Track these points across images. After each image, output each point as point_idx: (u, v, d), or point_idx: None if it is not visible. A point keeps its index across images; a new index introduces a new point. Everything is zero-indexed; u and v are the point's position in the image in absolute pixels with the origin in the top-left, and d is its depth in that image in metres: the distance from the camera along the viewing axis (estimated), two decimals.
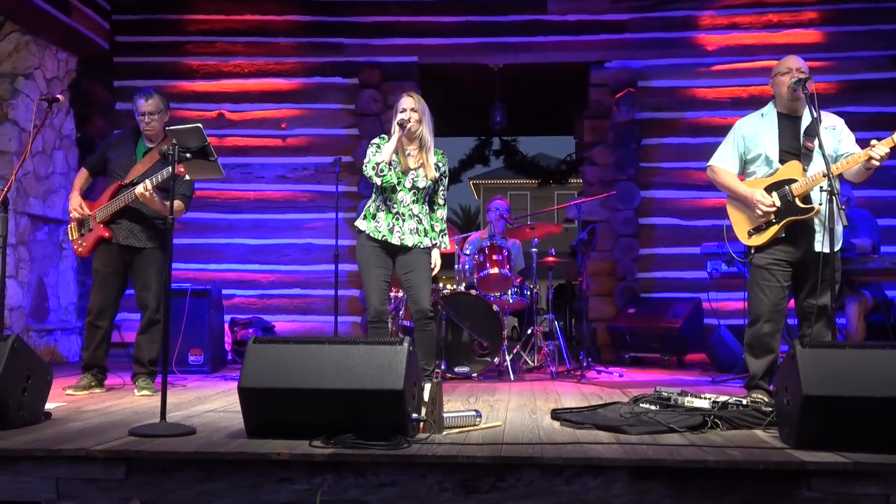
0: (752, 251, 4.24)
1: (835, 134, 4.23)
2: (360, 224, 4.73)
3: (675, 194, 7.99)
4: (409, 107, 4.66)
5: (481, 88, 9.34)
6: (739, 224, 4.29)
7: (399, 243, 4.65)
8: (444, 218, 4.89)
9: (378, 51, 8.17)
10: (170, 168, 4.54)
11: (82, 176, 5.13)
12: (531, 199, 32.23)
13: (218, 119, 8.15)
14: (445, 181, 4.85)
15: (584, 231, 6.81)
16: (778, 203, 4.12)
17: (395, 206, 4.68)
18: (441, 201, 4.86)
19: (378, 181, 4.60)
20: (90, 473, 2.90)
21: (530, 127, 12.05)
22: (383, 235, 4.65)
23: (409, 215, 4.69)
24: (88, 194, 5.16)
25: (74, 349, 7.70)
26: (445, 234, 4.88)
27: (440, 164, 4.77)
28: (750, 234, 4.22)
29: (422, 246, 4.71)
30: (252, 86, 8.21)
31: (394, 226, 4.65)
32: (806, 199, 4.10)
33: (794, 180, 4.13)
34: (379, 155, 4.61)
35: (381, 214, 4.69)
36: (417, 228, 4.70)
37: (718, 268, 6.13)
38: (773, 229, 4.14)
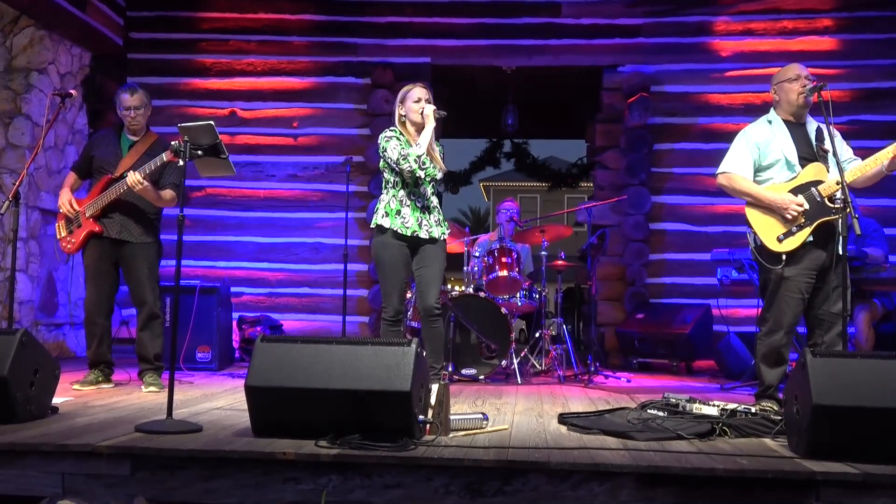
0: (784, 261, 4.11)
1: (838, 141, 4.22)
2: (384, 221, 4.59)
3: (686, 200, 7.96)
4: (425, 97, 4.63)
5: (493, 90, 9.33)
6: (767, 230, 4.16)
7: (428, 237, 4.61)
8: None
9: (391, 51, 8.17)
10: (161, 158, 4.60)
11: (70, 178, 5.11)
12: (541, 202, 32.21)
13: (230, 117, 8.16)
14: None
15: (594, 235, 6.79)
16: (807, 205, 4.07)
17: (419, 200, 4.63)
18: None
19: (421, 174, 4.54)
20: (96, 469, 2.90)
21: (542, 130, 12.03)
22: (413, 231, 4.58)
23: (432, 207, 4.67)
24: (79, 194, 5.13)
25: (83, 344, 7.66)
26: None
27: (441, 151, 4.76)
28: (780, 240, 4.11)
29: (443, 237, 4.70)
30: (265, 84, 8.22)
31: (422, 220, 4.61)
32: (832, 200, 4.06)
33: (821, 181, 4.10)
34: (418, 148, 4.52)
35: (406, 210, 4.60)
36: (439, 220, 4.70)
37: (729, 274, 6.09)
38: (806, 232, 4.07)
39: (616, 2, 8.09)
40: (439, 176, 4.67)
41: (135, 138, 5.02)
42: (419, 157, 4.51)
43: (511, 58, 8.24)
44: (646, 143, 7.86)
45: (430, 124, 4.55)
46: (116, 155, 4.97)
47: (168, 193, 4.84)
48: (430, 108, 4.57)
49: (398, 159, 4.51)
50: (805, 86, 4.16)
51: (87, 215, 4.89)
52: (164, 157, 4.58)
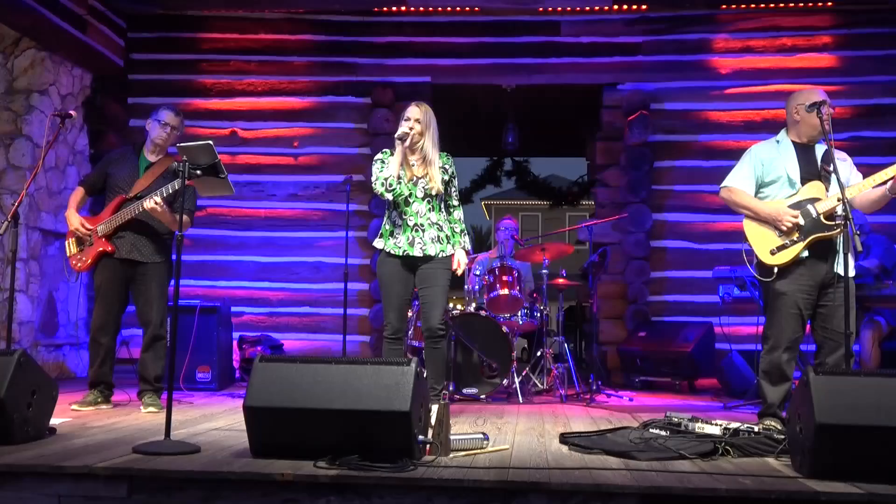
0: (776, 273, 4.14)
1: (845, 165, 4.25)
2: (378, 243, 4.67)
3: (687, 217, 7.95)
4: (414, 117, 4.59)
5: (494, 109, 9.35)
6: (761, 243, 4.20)
7: (422, 254, 4.57)
8: (462, 219, 4.79)
9: (391, 71, 8.20)
10: (175, 183, 4.59)
11: (78, 194, 5.09)
12: (542, 221, 32.23)
13: (231, 137, 8.18)
14: (455, 181, 4.76)
15: (595, 253, 6.78)
16: (802, 220, 4.08)
17: (411, 218, 4.59)
18: (455, 202, 4.76)
19: (389, 196, 4.55)
20: (93, 491, 2.88)
21: (542, 148, 12.06)
22: (404, 250, 4.57)
23: (429, 224, 4.61)
24: (83, 211, 5.13)
25: (83, 364, 7.70)
26: (466, 234, 4.79)
27: (447, 167, 4.70)
28: (773, 252, 4.14)
29: (444, 255, 4.61)
30: (265, 104, 8.25)
31: (414, 238, 4.58)
32: (830, 217, 4.07)
33: (818, 199, 4.12)
34: (386, 170, 4.56)
35: (398, 230, 4.61)
36: (439, 236, 4.62)
37: (731, 292, 6.07)
38: (799, 247, 4.09)
39: (615, 20, 8.12)
40: (433, 192, 4.62)
41: (153, 159, 5.05)
42: (385, 179, 4.52)
43: (511, 76, 8.26)
44: (646, 160, 7.86)
45: (397, 148, 4.57)
46: (133, 175, 4.99)
47: (183, 219, 4.82)
48: (399, 131, 4.57)
49: (372, 183, 4.59)
50: (828, 113, 4.15)
51: (98, 234, 4.89)
52: (177, 183, 4.55)
